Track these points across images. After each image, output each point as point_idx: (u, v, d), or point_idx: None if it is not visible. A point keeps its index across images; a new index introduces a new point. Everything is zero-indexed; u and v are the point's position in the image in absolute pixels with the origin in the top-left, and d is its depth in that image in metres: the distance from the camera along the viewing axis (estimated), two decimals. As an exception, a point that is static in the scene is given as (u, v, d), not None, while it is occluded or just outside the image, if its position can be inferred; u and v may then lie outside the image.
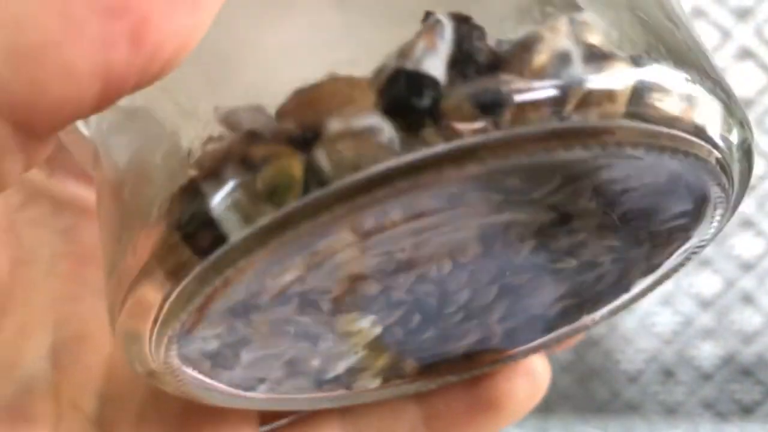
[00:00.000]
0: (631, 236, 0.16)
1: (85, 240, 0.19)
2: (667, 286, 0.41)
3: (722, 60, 0.37)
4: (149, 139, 0.13)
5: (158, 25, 0.10)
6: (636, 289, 0.18)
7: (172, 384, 0.15)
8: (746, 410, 0.43)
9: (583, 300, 0.18)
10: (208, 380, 0.16)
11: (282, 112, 0.11)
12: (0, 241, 0.18)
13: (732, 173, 0.14)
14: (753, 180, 0.15)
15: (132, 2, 0.10)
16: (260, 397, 0.17)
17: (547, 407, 0.45)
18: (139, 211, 0.13)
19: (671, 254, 0.17)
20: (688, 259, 0.17)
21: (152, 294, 0.12)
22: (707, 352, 0.42)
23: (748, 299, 0.41)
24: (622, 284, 0.17)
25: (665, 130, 0.12)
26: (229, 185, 0.11)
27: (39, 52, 0.10)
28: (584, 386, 0.44)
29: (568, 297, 0.17)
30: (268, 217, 0.11)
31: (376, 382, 0.18)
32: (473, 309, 0.17)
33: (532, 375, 0.19)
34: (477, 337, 0.18)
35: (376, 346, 0.17)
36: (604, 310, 0.18)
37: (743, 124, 0.14)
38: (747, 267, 0.40)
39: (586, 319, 0.18)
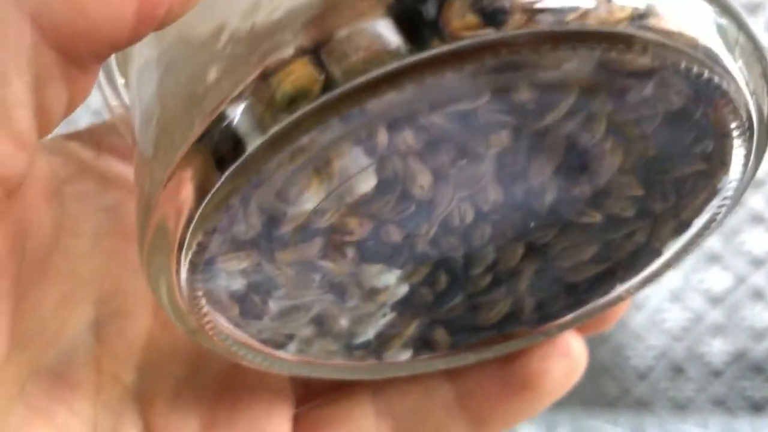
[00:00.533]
0: (653, 185, 0.16)
1: (130, 219, 0.18)
2: (677, 282, 0.41)
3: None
4: (177, 68, 0.14)
5: None
6: (668, 252, 0.17)
7: (203, 335, 0.16)
8: (757, 407, 0.43)
9: (614, 265, 0.17)
10: (238, 332, 0.16)
11: (297, 27, 0.12)
12: (44, 203, 0.18)
13: (748, 104, 0.14)
14: (762, 175, 0.15)
15: None
16: (291, 359, 0.17)
17: (556, 402, 0.45)
18: (167, 135, 0.13)
19: (699, 209, 0.16)
20: (717, 215, 0.16)
21: (175, 211, 0.13)
22: (717, 349, 0.42)
23: (758, 295, 0.41)
24: (653, 246, 0.17)
25: (670, 42, 0.13)
26: (249, 100, 0.12)
27: None
28: (594, 382, 0.44)
29: (599, 261, 0.17)
30: (281, 123, 0.12)
31: (406, 354, 0.18)
32: (501, 272, 0.17)
33: (569, 354, 0.19)
34: (507, 308, 0.18)
35: (404, 308, 0.17)
36: (638, 278, 0.18)
37: (757, 52, 0.14)
38: (757, 263, 0.40)
39: (620, 290, 0.18)
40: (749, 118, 0.14)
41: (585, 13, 0.12)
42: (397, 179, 0.14)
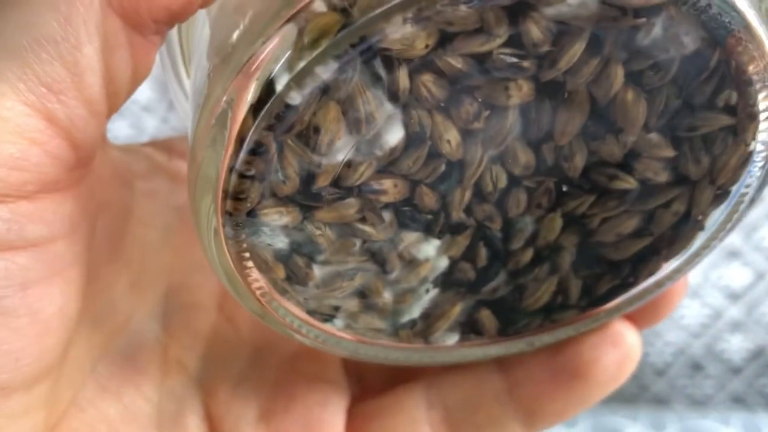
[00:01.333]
0: (683, 144, 0.16)
1: None
2: (696, 278, 0.40)
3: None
4: (225, 26, 0.15)
5: None
6: (711, 224, 0.17)
7: (251, 298, 0.16)
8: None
9: (657, 240, 0.17)
10: (285, 299, 0.17)
11: None
12: (117, 187, 0.19)
13: (764, 47, 0.14)
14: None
15: None
16: (339, 335, 0.17)
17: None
18: (211, 86, 0.15)
19: (735, 173, 0.16)
20: (753, 179, 0.16)
21: (215, 155, 0.14)
22: (736, 346, 0.42)
23: (778, 292, 0.41)
24: (694, 217, 0.17)
25: None
26: (286, 54, 0.14)
27: None
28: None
29: (640, 234, 0.17)
30: (305, 60, 0.13)
31: (453, 338, 0.18)
32: (542, 247, 0.17)
33: (621, 344, 0.18)
34: (553, 289, 0.18)
35: (447, 285, 0.17)
36: (683, 256, 0.17)
37: None
38: (777, 259, 0.40)
39: (666, 270, 0.18)
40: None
41: None
42: (424, 133, 0.15)
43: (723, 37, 0.14)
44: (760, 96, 0.15)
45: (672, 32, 0.14)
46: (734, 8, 0.14)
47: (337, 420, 0.19)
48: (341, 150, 0.15)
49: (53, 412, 0.17)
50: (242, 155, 0.14)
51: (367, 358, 0.18)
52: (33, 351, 0.15)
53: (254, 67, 0.14)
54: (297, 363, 0.20)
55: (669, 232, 0.17)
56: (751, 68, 0.15)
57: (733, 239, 0.40)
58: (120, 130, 0.40)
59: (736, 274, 0.41)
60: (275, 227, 0.15)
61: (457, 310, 0.18)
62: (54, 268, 0.16)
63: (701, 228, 0.17)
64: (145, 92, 0.40)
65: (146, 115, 0.41)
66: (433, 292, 0.17)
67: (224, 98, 0.14)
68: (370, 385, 0.21)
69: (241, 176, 0.14)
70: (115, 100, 0.15)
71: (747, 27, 0.14)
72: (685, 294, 0.19)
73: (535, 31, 0.14)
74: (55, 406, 0.17)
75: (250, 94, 0.14)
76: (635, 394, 0.44)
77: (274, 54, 0.13)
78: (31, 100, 0.14)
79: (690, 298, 0.41)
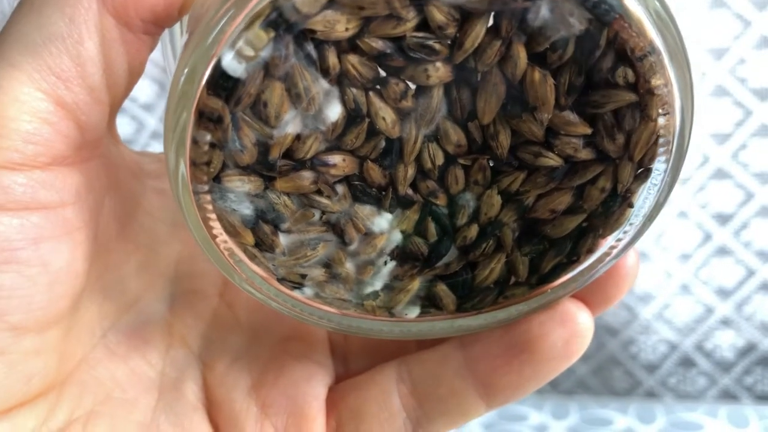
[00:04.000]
0: (595, 121, 0.17)
1: None
2: (687, 275, 0.41)
3: (742, 49, 0.37)
4: (199, 6, 0.18)
5: None
6: (639, 201, 0.18)
7: (225, 263, 0.18)
8: (766, 400, 0.43)
9: (591, 217, 0.18)
10: (254, 265, 0.19)
11: None
12: (128, 176, 0.21)
13: (643, 23, 0.16)
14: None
15: None
16: (309, 303, 0.19)
17: (565, 392, 0.45)
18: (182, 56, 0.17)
19: (650, 151, 0.17)
20: (668, 156, 0.17)
21: (183, 125, 0.17)
22: (727, 343, 0.42)
23: (767, 289, 0.41)
24: (622, 195, 0.18)
25: None
26: (231, 34, 0.16)
27: None
28: (603, 375, 0.44)
29: (574, 211, 0.18)
30: (242, 40, 0.16)
31: (415, 311, 0.20)
32: (485, 223, 0.19)
33: (570, 322, 0.19)
34: (502, 266, 0.19)
35: (403, 258, 0.19)
36: (619, 230, 0.18)
37: None
38: (767, 257, 0.40)
39: (606, 246, 0.18)
40: (651, 40, 0.16)
41: None
42: (360, 110, 0.17)
43: (607, 18, 0.16)
44: (652, 71, 0.16)
45: (558, 13, 0.16)
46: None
47: (319, 392, 0.21)
48: (289, 123, 0.17)
49: (64, 363, 0.20)
50: (200, 123, 0.16)
51: (339, 329, 0.20)
52: (43, 298, 0.18)
53: (208, 43, 0.16)
54: (288, 344, 0.22)
55: (601, 209, 0.18)
56: (640, 46, 0.16)
57: (724, 237, 0.40)
58: (121, 127, 0.40)
59: (727, 271, 0.41)
60: (240, 194, 0.18)
61: (416, 284, 0.19)
62: (63, 228, 0.18)
63: (630, 205, 0.18)
64: (144, 90, 0.40)
65: (146, 114, 0.41)
66: (391, 264, 0.19)
67: (185, 71, 0.16)
68: (353, 366, 0.22)
69: (202, 143, 0.17)
70: (115, 90, 0.18)
71: (626, 9, 0.16)
72: (635, 277, 0.19)
73: (437, 14, 0.16)
74: (66, 358, 0.20)
75: (208, 70, 0.16)
76: (627, 390, 0.44)
77: (224, 34, 0.16)
78: (43, 87, 0.17)
79: (681, 295, 0.42)
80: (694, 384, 0.43)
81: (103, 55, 0.17)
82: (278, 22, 0.16)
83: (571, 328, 0.19)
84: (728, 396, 0.43)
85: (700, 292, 0.41)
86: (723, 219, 0.40)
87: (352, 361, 0.22)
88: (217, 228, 0.18)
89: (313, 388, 0.21)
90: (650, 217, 0.18)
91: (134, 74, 0.19)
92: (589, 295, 0.19)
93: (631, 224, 0.18)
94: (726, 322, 0.42)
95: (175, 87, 0.17)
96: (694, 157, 0.39)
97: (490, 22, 0.16)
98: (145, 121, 0.41)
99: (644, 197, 0.18)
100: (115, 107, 0.19)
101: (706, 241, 0.40)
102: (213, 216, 0.18)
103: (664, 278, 0.41)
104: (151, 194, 0.22)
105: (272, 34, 0.16)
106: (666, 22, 0.16)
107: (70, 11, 0.17)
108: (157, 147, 0.42)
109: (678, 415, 0.41)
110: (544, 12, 0.16)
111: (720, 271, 0.41)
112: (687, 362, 0.43)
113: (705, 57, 0.37)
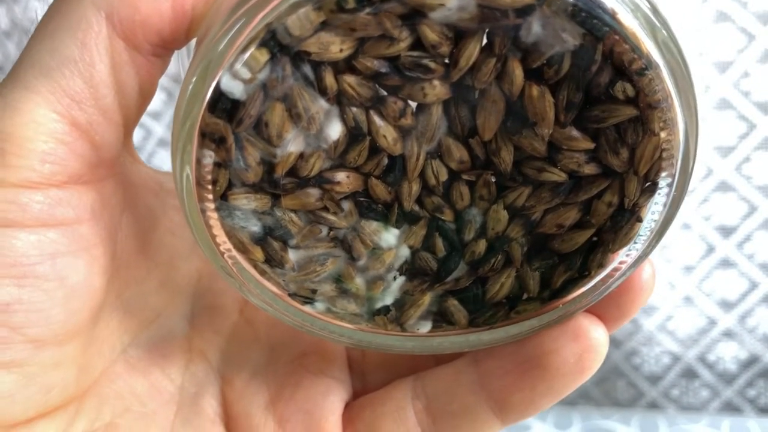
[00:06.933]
0: (598, 137, 0.17)
1: None
2: (690, 287, 0.41)
3: (746, 63, 0.37)
4: (206, 27, 0.18)
5: None
6: (648, 215, 0.18)
7: (235, 277, 0.19)
8: (769, 412, 0.43)
9: (599, 232, 0.18)
10: (265, 281, 0.19)
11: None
12: (148, 194, 0.22)
13: (637, 36, 0.16)
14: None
15: None
16: (322, 318, 0.19)
17: (569, 402, 0.45)
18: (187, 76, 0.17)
19: (655, 165, 0.17)
20: (674, 170, 0.17)
21: (189, 148, 0.17)
22: (730, 355, 0.42)
23: (771, 301, 0.41)
24: (629, 208, 0.18)
25: None
26: (229, 58, 0.16)
27: None
28: (606, 386, 0.44)
29: (582, 226, 0.18)
30: (240, 62, 0.16)
31: (426, 326, 0.20)
32: (493, 238, 0.19)
33: (583, 337, 0.19)
34: (513, 281, 0.19)
35: (413, 274, 0.19)
36: (629, 245, 0.18)
37: None
38: (770, 269, 0.40)
39: (616, 261, 0.18)
40: (648, 54, 0.16)
41: None
42: (360, 128, 0.17)
43: (600, 33, 0.16)
44: (651, 86, 0.16)
45: (550, 29, 0.16)
46: (602, 6, 0.15)
47: (335, 408, 0.22)
48: (291, 142, 0.17)
49: (84, 376, 0.20)
50: (204, 143, 0.17)
51: (352, 343, 0.20)
52: (61, 311, 0.18)
53: (208, 65, 0.16)
54: (306, 360, 0.22)
55: (609, 223, 0.18)
56: (636, 60, 0.16)
57: (727, 249, 0.40)
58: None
59: (730, 283, 0.41)
60: (246, 211, 0.18)
61: (427, 300, 0.19)
62: (79, 244, 0.19)
63: (639, 219, 0.18)
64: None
65: (153, 121, 0.42)
66: (401, 279, 0.19)
67: (188, 93, 0.17)
68: (371, 382, 0.22)
69: (206, 163, 0.17)
70: (128, 111, 0.19)
71: (620, 23, 0.16)
72: (650, 293, 0.19)
73: (430, 34, 0.16)
74: (86, 371, 0.20)
75: (209, 92, 0.16)
76: (630, 401, 0.44)
77: (224, 57, 0.16)
78: (59, 109, 0.18)
79: (684, 306, 0.42)
80: (696, 396, 0.43)
81: (114, 77, 0.18)
82: (273, 45, 0.16)
83: (584, 343, 0.19)
84: (731, 408, 0.43)
85: (703, 304, 0.41)
86: (726, 231, 0.40)
87: (370, 377, 0.23)
88: (227, 244, 0.18)
89: (330, 403, 0.22)
90: (660, 231, 0.18)
91: (146, 95, 0.19)
92: (604, 310, 0.19)
93: (640, 238, 0.18)
94: (729, 335, 0.42)
95: (179, 109, 0.17)
96: (698, 170, 0.39)
97: (485, 40, 0.16)
98: (152, 128, 0.42)
99: (653, 211, 0.18)
100: (129, 127, 0.19)
101: (709, 253, 0.40)
102: (222, 233, 0.18)
103: (668, 290, 0.41)
104: (171, 212, 0.22)
105: (268, 56, 0.16)
106: (663, 36, 0.16)
107: (82, 36, 0.18)
108: (164, 154, 0.42)
109: (680, 426, 0.41)
110: (536, 28, 0.16)
111: (723, 283, 0.41)
112: (690, 374, 0.43)
113: (709, 70, 0.37)
